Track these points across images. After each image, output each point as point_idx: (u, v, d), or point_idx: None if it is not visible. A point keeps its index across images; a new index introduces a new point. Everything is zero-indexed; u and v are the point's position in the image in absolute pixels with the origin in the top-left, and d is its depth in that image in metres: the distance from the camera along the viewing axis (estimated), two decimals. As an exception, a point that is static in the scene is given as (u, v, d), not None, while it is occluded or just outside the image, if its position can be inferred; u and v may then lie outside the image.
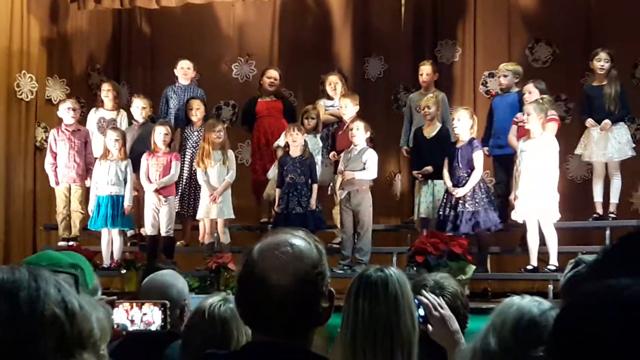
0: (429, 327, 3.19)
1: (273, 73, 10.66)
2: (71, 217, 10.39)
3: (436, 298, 3.25)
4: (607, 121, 9.17)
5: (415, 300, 3.14)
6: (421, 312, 3.19)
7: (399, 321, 2.95)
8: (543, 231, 8.68)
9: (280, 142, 9.97)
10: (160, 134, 9.78)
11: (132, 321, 2.63)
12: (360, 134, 9.36)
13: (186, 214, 10.27)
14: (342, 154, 9.59)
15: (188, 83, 10.70)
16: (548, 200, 8.64)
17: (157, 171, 9.78)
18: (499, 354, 2.54)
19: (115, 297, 2.70)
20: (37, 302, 1.42)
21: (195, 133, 10.27)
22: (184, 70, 10.68)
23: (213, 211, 9.67)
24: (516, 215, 8.82)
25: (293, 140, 9.49)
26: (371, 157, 9.38)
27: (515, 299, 2.67)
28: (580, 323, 1.26)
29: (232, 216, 9.80)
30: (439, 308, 3.21)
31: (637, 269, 1.30)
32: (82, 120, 10.69)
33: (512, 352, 2.50)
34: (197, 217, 9.92)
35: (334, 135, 10.11)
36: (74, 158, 10.36)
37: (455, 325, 3.20)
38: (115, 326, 2.60)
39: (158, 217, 9.78)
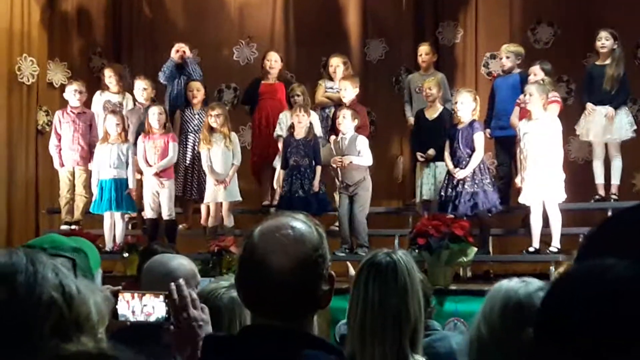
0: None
1: (272, 55, 10.62)
2: (75, 201, 10.41)
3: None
4: (610, 109, 9.15)
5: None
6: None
7: (408, 309, 2.94)
8: (548, 213, 8.67)
9: (279, 130, 9.96)
10: (154, 114, 9.79)
11: (133, 312, 2.61)
12: (347, 122, 9.32)
13: (189, 197, 10.27)
14: (332, 140, 9.59)
15: (180, 62, 10.60)
16: (554, 181, 8.63)
17: (155, 154, 9.79)
18: (490, 340, 2.53)
19: (120, 287, 2.68)
20: (34, 286, 1.42)
21: (196, 116, 10.27)
22: (180, 53, 10.59)
23: (220, 194, 9.68)
24: (523, 198, 8.81)
25: (299, 122, 9.47)
26: (363, 144, 9.36)
27: (504, 283, 2.65)
28: (565, 303, 1.26)
29: (239, 198, 9.82)
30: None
31: (621, 250, 1.31)
32: (87, 103, 10.69)
33: (501, 337, 2.50)
34: (205, 201, 9.91)
35: (333, 118, 10.06)
36: (78, 141, 10.38)
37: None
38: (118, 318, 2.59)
39: (158, 200, 9.79)
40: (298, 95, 9.88)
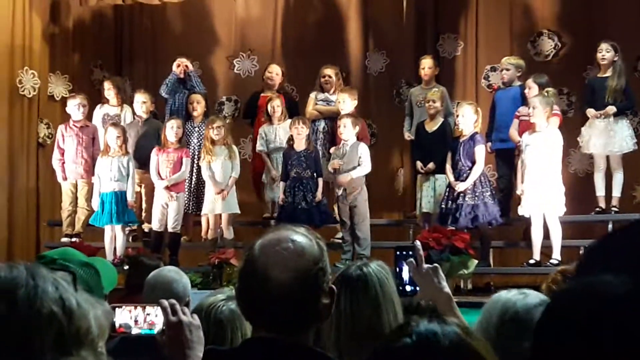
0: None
1: (274, 68, 10.65)
2: (77, 214, 10.40)
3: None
4: (611, 107, 9.13)
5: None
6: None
7: (381, 321, 2.92)
8: (548, 225, 8.67)
9: (260, 146, 9.99)
10: (172, 128, 9.82)
11: (136, 322, 2.61)
12: (348, 130, 9.33)
13: (189, 210, 10.25)
14: (332, 150, 9.60)
15: (182, 77, 10.63)
16: (555, 194, 8.64)
17: (168, 167, 9.80)
18: None
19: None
20: (34, 300, 1.42)
21: (196, 129, 10.28)
22: (182, 68, 10.60)
23: (218, 206, 9.67)
24: (523, 210, 8.81)
25: (298, 133, 9.47)
26: (365, 152, 9.39)
27: (502, 294, 2.66)
28: (562, 319, 1.26)
29: (238, 211, 9.81)
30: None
31: (621, 265, 1.30)
32: (89, 116, 10.70)
33: (498, 348, 2.50)
34: (203, 213, 9.91)
35: (333, 131, 10.03)
36: (82, 154, 10.38)
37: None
38: (118, 327, 2.59)
39: (166, 212, 9.79)
40: (278, 106, 9.95)
